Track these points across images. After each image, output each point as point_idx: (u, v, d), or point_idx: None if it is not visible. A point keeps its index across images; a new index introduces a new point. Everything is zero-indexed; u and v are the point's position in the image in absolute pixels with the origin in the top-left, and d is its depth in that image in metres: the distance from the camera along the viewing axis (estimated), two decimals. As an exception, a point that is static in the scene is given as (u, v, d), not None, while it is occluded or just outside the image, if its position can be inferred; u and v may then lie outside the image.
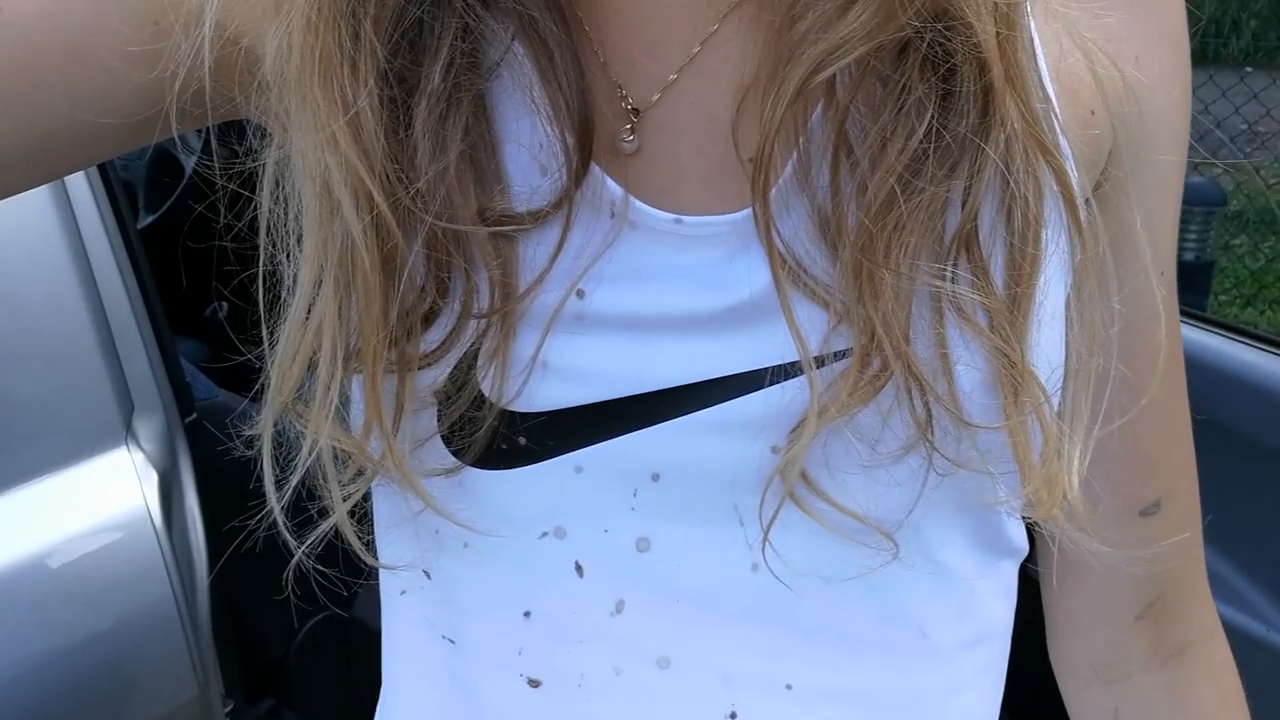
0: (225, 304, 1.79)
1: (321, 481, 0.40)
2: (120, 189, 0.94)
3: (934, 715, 0.46)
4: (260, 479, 0.46)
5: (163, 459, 0.89)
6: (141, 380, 0.89)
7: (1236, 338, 1.09)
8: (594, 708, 0.43)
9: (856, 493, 0.39)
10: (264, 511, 0.44)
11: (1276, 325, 3.71)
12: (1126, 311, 0.42)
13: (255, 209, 0.43)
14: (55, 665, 0.81)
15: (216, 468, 1.00)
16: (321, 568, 0.43)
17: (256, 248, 0.43)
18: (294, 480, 0.41)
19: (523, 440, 0.40)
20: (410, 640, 0.48)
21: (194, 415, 0.94)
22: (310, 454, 0.40)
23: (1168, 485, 0.48)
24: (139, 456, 0.87)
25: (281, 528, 0.42)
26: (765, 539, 0.39)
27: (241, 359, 0.47)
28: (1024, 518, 0.45)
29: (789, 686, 0.43)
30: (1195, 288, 2.51)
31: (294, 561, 0.42)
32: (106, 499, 0.86)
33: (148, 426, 0.89)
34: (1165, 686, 0.52)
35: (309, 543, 0.42)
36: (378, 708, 0.58)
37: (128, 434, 0.87)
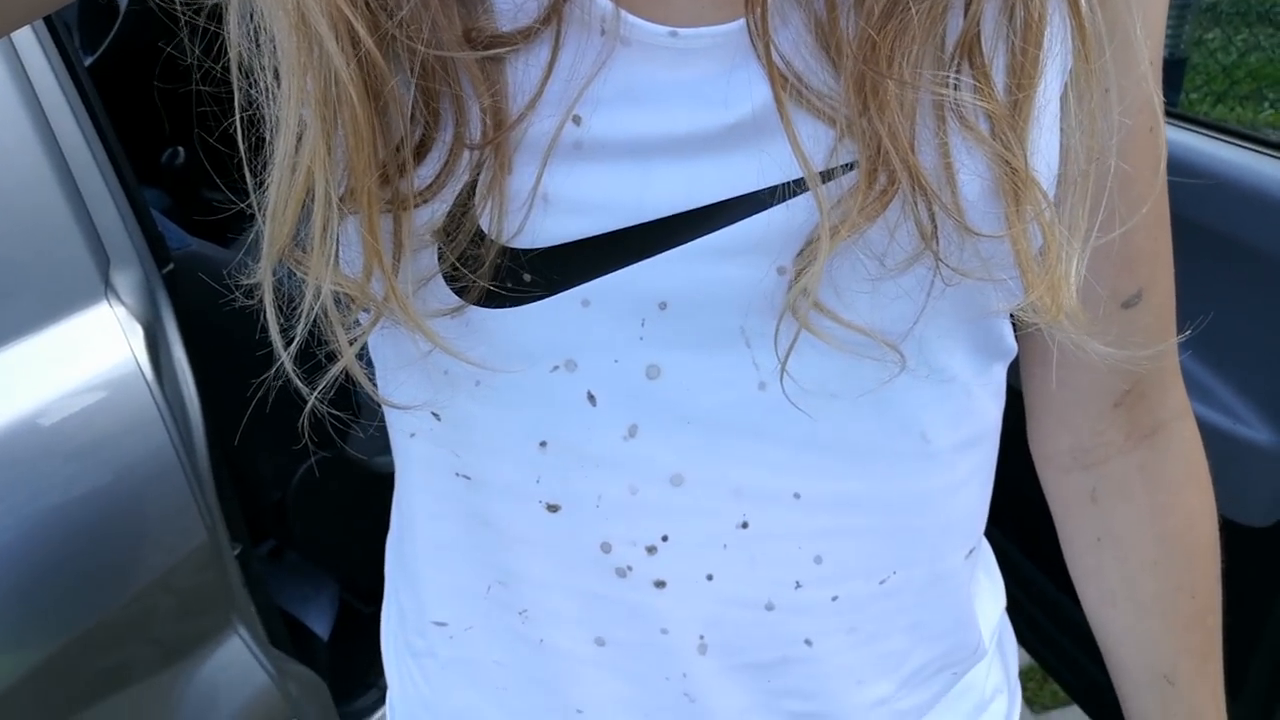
0: (182, 149, 1.73)
1: (326, 326, 0.40)
2: (63, 29, 0.89)
3: (933, 513, 0.48)
4: (246, 325, 0.46)
5: (145, 311, 0.88)
6: (113, 231, 0.86)
7: (1209, 133, 1.08)
8: (611, 525, 0.45)
9: (862, 308, 0.40)
10: (259, 356, 0.44)
11: (1245, 121, 3.69)
12: (1125, 117, 0.42)
13: (220, 44, 0.41)
14: (64, 520, 0.82)
15: (200, 317, 0.99)
16: (333, 410, 0.44)
17: (220, 86, 0.42)
18: (301, 331, 0.40)
19: (527, 276, 0.40)
20: (424, 480, 0.49)
21: (171, 265, 0.93)
22: (314, 302, 0.39)
23: (1150, 275, 0.49)
24: (120, 310, 0.86)
25: (292, 375, 0.42)
26: (783, 367, 0.40)
27: (220, 210, 0.46)
28: (1014, 319, 0.46)
29: (797, 495, 0.45)
30: (1169, 83, 2.49)
31: (308, 407, 0.42)
32: (93, 355, 0.86)
33: (126, 279, 0.87)
34: (1139, 465, 0.54)
35: (320, 389, 0.42)
36: (387, 545, 0.59)
37: (106, 288, 0.86)
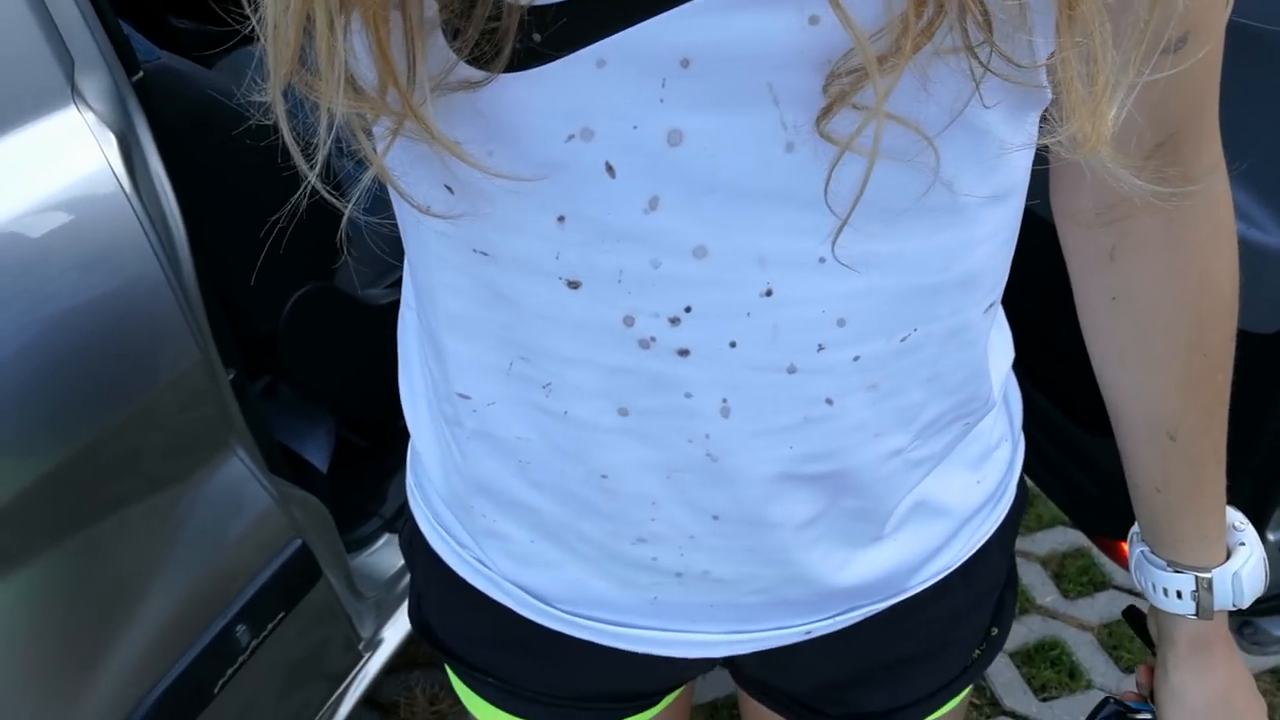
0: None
1: (349, 137, 0.39)
2: None
3: (958, 268, 0.47)
4: (220, 143, 0.44)
5: (116, 119, 0.84)
6: (76, 33, 0.81)
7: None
8: (634, 299, 0.44)
9: (904, 85, 0.37)
10: (241, 179, 0.43)
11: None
12: None
13: None
14: (55, 332, 0.80)
15: (173, 135, 0.95)
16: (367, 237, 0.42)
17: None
18: (321, 155, 0.39)
19: (536, 37, 0.37)
20: (440, 254, 0.47)
21: (140, 74, 0.88)
22: (329, 129, 0.37)
23: (1199, 17, 0.45)
24: (90, 116, 0.82)
25: (326, 196, 0.41)
26: (821, 126, 0.38)
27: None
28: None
29: (822, 260, 0.43)
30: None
31: (344, 224, 0.41)
32: (64, 162, 0.82)
33: (93, 84, 0.82)
34: (1163, 222, 0.53)
35: (354, 201, 0.41)
36: (400, 315, 0.58)
37: (73, 91, 0.81)
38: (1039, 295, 1.01)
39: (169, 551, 0.93)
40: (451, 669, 0.72)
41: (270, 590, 1.03)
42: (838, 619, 0.59)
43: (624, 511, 0.52)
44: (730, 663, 0.72)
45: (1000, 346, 0.60)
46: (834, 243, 0.42)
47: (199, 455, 0.97)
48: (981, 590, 0.65)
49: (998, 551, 0.64)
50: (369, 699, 1.85)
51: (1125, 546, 1.19)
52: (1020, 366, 1.31)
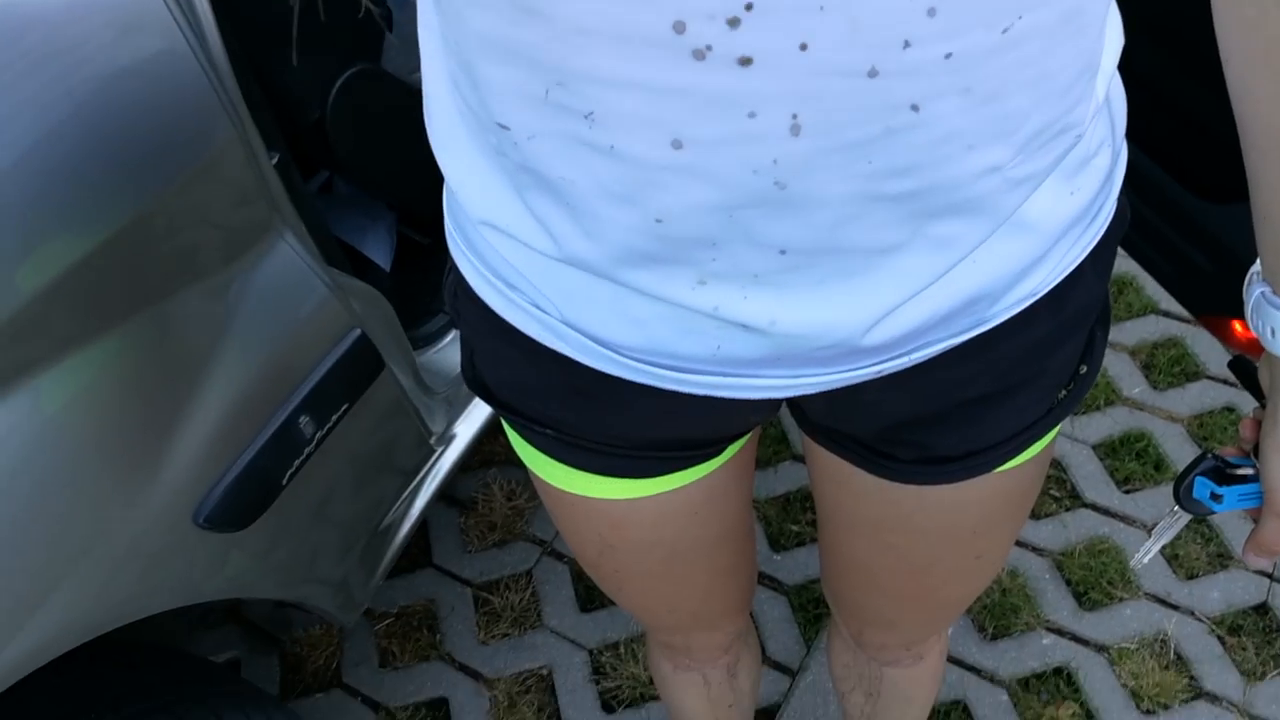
0: None
1: None
2: None
3: None
4: None
5: None
6: None
7: None
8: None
9: None
10: None
11: None
12: None
13: None
14: (83, 110, 0.75)
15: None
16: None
17: None
18: None
19: None
20: None
21: None
22: None
23: None
24: None
25: None
26: None
27: None
28: None
29: None
30: None
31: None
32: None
33: None
34: None
35: None
36: (419, 29, 0.52)
37: None
38: (1159, 53, 0.88)
39: (225, 341, 0.91)
40: (507, 422, 0.70)
41: (332, 381, 1.01)
42: (911, 355, 0.54)
43: (680, 255, 0.47)
44: (795, 407, 0.69)
45: (1113, 33, 0.52)
46: None
47: (245, 240, 0.93)
48: (1071, 320, 0.59)
49: (1091, 275, 0.58)
50: (446, 495, 1.89)
51: (1236, 325, 1.10)
52: (1134, 136, 1.20)
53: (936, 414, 0.62)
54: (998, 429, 0.63)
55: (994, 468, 0.66)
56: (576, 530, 0.78)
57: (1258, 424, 0.64)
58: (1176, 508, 0.68)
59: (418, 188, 1.41)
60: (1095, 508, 1.75)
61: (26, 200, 0.73)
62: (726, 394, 0.55)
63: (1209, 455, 0.66)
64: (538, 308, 0.56)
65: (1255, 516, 0.65)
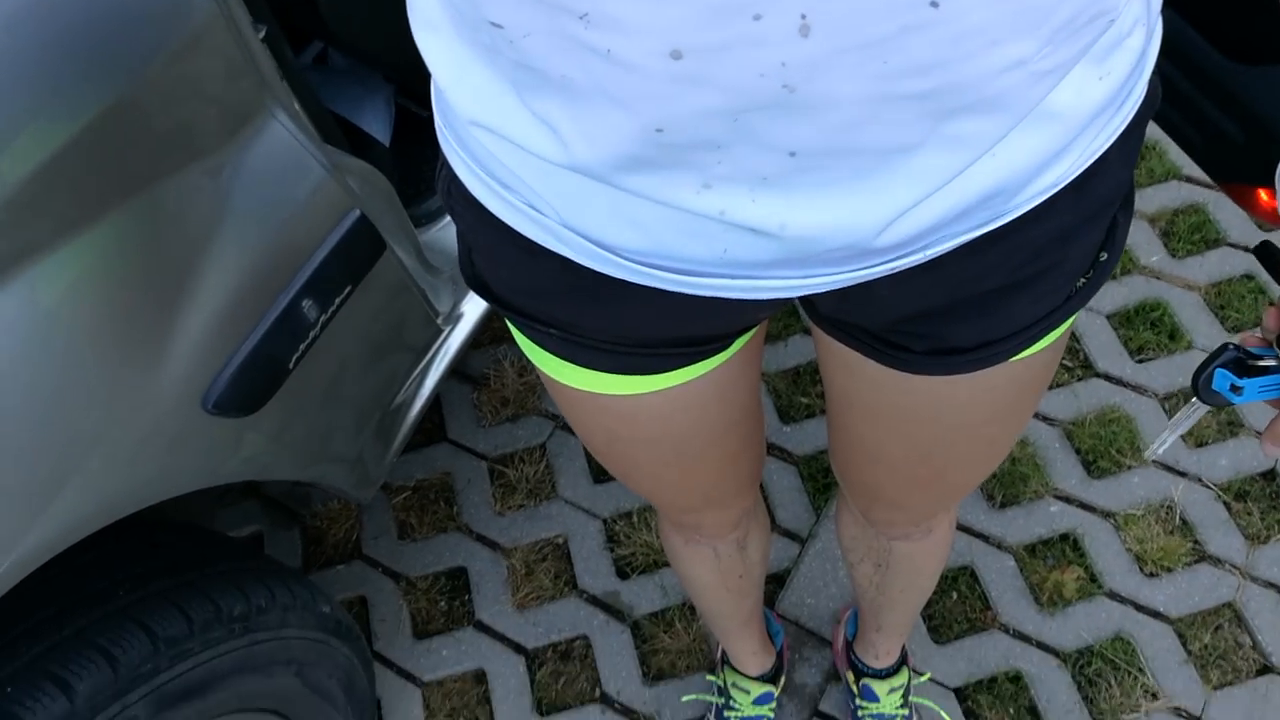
0: None
1: None
2: None
3: None
4: None
5: None
6: None
7: None
8: None
9: None
10: None
11: None
12: None
13: None
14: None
15: None
16: None
17: None
18: None
19: None
20: None
21: None
22: None
23: None
24: None
25: None
26: None
27: None
28: None
29: None
30: None
31: None
32: None
33: None
34: None
35: None
36: None
37: None
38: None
39: (220, 227, 0.89)
40: (510, 322, 0.68)
41: (333, 264, 0.99)
42: (925, 251, 0.52)
43: (683, 159, 0.45)
44: (804, 300, 0.68)
45: None
46: None
47: (235, 120, 0.90)
48: (1094, 207, 0.57)
49: (1118, 162, 0.56)
50: (458, 371, 1.90)
51: (1262, 193, 1.07)
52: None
53: (950, 306, 0.60)
54: (1014, 319, 0.62)
55: (1009, 358, 0.65)
56: (583, 423, 0.78)
57: None
58: (1195, 399, 0.66)
59: (416, 57, 1.37)
60: (1108, 377, 1.75)
61: None
62: (734, 295, 0.54)
63: (1230, 346, 0.64)
64: (535, 209, 0.54)
65: (1277, 406, 0.63)
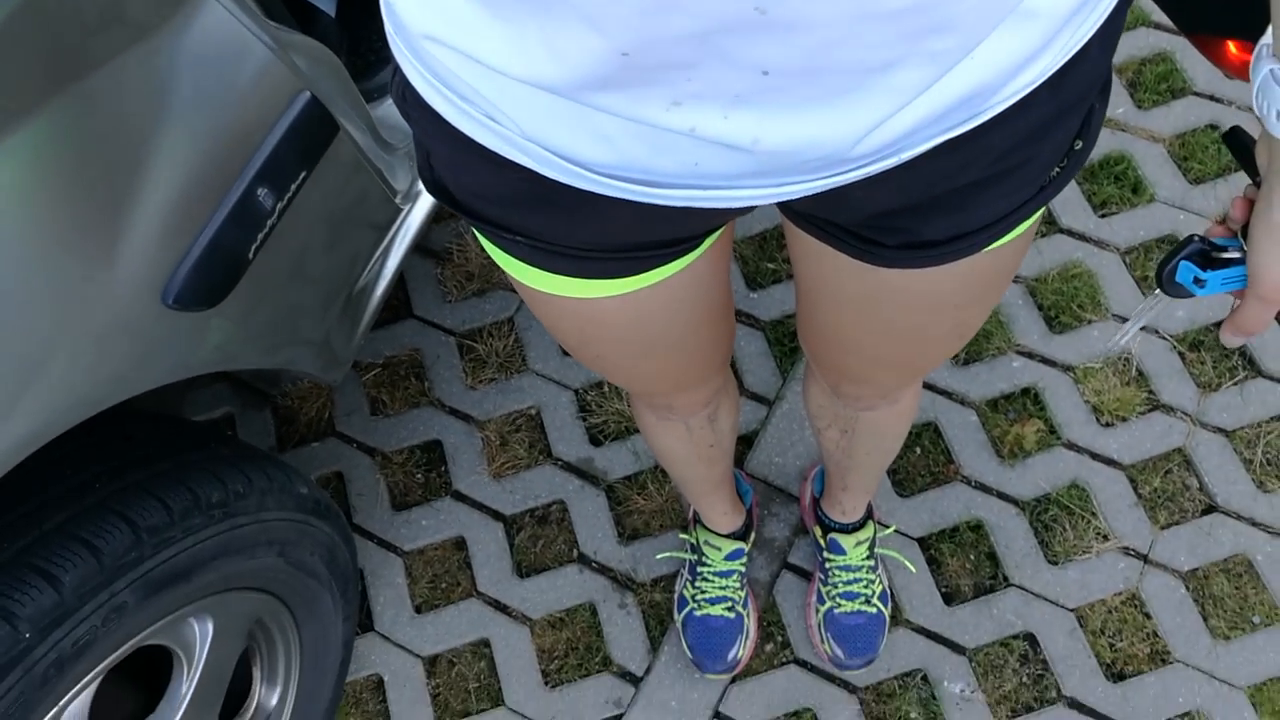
0: None
1: None
2: None
3: None
4: None
5: None
6: None
7: None
8: None
9: None
10: None
11: None
12: None
13: None
14: None
15: None
16: None
17: None
18: None
19: None
20: None
21: None
22: None
23: None
24: None
25: None
26: None
27: None
28: None
29: None
30: None
31: None
32: None
33: None
34: None
35: None
36: None
37: None
38: None
39: (163, 116, 0.86)
40: (475, 229, 0.67)
41: (285, 149, 0.96)
42: (901, 155, 0.52)
43: (652, 78, 0.44)
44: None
45: None
46: None
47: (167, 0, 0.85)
48: (1071, 99, 0.56)
49: (1098, 51, 0.54)
50: (420, 247, 1.88)
51: (1231, 45, 1.05)
52: None
53: (923, 202, 0.59)
54: (987, 212, 0.61)
55: (981, 249, 0.65)
56: (554, 324, 0.78)
57: (1249, 204, 0.61)
58: (1158, 290, 0.67)
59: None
60: (1070, 233, 1.76)
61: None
62: (704, 205, 0.53)
63: (1195, 238, 0.64)
64: (495, 121, 0.52)
65: (1240, 297, 0.64)
